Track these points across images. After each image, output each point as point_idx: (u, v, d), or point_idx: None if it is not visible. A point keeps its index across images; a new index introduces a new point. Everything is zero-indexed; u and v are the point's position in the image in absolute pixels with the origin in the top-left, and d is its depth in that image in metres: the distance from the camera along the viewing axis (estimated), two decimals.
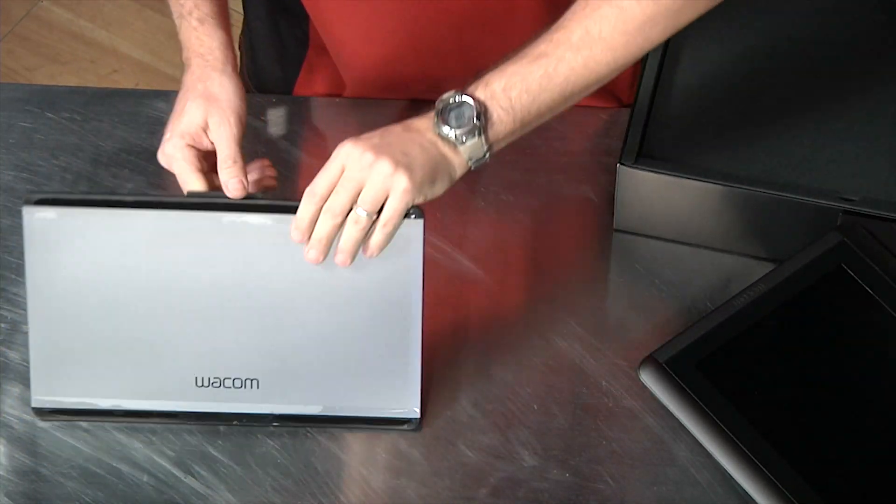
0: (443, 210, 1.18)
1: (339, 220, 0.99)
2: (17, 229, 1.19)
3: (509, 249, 1.19)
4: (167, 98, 1.28)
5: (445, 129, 0.99)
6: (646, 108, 1.15)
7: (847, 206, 1.10)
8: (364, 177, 0.98)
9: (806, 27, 1.21)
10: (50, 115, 1.26)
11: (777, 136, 1.15)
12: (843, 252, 1.09)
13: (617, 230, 1.19)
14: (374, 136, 0.99)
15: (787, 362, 1.06)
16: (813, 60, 1.19)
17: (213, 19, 1.09)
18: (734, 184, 1.11)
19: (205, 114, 1.05)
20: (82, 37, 2.39)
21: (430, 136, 1.00)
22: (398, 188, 0.98)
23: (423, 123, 1.00)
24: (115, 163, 1.23)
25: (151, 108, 1.27)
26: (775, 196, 1.10)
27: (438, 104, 1.00)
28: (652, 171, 1.12)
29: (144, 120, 1.27)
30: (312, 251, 1.00)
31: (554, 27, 1.02)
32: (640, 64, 1.36)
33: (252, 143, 1.25)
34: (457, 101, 0.99)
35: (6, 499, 1.06)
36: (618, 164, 1.12)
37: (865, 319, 1.08)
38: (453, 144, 1.00)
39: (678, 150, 1.14)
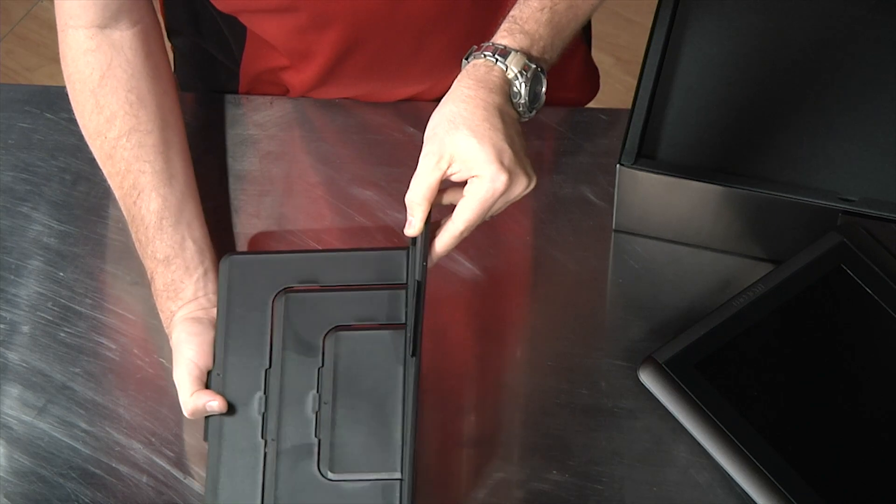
0: (443, 210, 1.17)
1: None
2: (16, 230, 1.19)
3: (509, 249, 1.19)
4: None
5: (526, 111, 1.02)
6: (646, 108, 1.15)
7: (847, 206, 1.10)
8: (505, 200, 1.00)
9: (806, 27, 1.21)
10: (49, 115, 1.26)
11: (777, 136, 1.15)
12: (842, 252, 1.09)
13: (617, 230, 1.19)
14: (504, 150, 0.98)
15: (787, 363, 1.06)
16: (813, 60, 1.19)
17: (165, 292, 1.09)
18: (734, 184, 1.11)
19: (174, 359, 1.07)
20: None
21: (516, 117, 1.01)
22: (525, 192, 1.01)
23: (508, 108, 1.00)
24: None
25: None
26: (775, 196, 1.10)
27: (513, 83, 1.00)
28: (651, 172, 1.12)
29: None
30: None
31: None
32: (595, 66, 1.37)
33: (252, 144, 1.25)
34: (527, 76, 1.00)
35: (6, 499, 1.06)
36: (617, 165, 1.12)
37: (865, 320, 1.08)
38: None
39: (678, 150, 1.14)
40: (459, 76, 1.01)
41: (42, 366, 1.12)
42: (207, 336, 1.06)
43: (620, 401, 1.10)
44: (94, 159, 1.23)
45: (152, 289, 1.10)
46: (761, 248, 1.16)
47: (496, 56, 1.00)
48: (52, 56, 2.36)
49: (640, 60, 1.18)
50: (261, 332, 1.06)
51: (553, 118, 1.25)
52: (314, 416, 1.02)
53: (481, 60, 1.00)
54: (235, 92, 1.31)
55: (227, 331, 1.06)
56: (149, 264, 1.10)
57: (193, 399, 1.03)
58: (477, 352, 1.13)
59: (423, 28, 1.20)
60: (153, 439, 1.08)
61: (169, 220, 1.10)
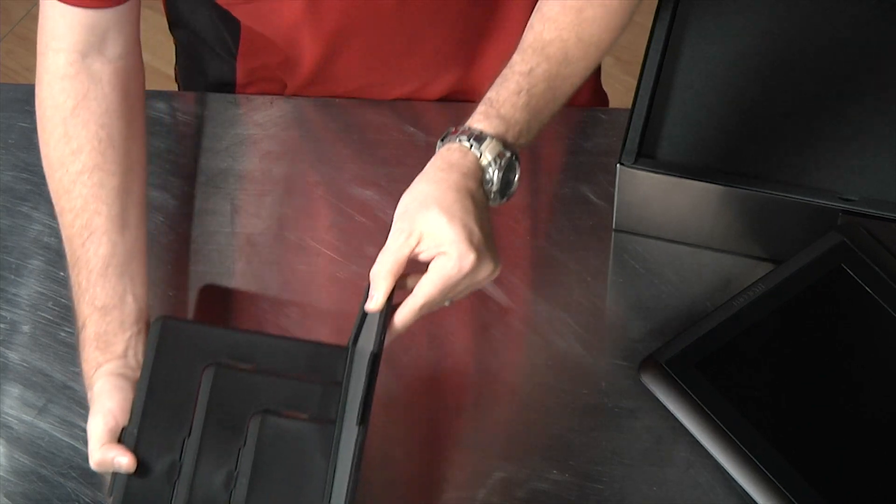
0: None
1: None
2: (16, 229, 1.19)
3: (509, 249, 1.19)
4: (166, 98, 1.28)
5: (497, 198, 1.02)
6: (646, 108, 1.15)
7: (847, 206, 1.10)
8: (469, 284, 0.98)
9: (806, 27, 1.21)
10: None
11: (777, 135, 1.15)
12: (842, 252, 1.09)
13: (617, 230, 1.19)
14: (474, 232, 0.97)
15: (787, 362, 1.06)
16: (813, 60, 1.19)
17: (94, 342, 1.05)
18: (734, 184, 1.11)
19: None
20: None
21: (484, 199, 1.00)
22: (489, 279, 0.99)
23: (480, 194, 1.00)
24: None
25: (150, 108, 1.27)
26: (775, 196, 1.10)
27: (486, 169, 1.00)
28: (651, 171, 1.12)
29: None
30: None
31: (542, 39, 1.03)
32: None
33: (252, 144, 1.25)
34: (501, 164, 1.00)
35: (6, 499, 1.06)
36: (617, 164, 1.12)
37: (865, 319, 1.08)
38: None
39: (678, 149, 1.14)
40: (433, 158, 1.00)
41: (42, 365, 1.12)
42: (129, 395, 1.02)
43: (621, 401, 1.10)
44: None
45: (81, 336, 1.06)
46: (761, 248, 1.16)
47: (471, 141, 0.99)
48: None
49: (640, 60, 1.19)
50: (184, 400, 1.02)
51: (553, 118, 1.25)
52: (228, 493, 1.00)
53: (455, 145, 1.00)
54: (233, 84, 1.31)
55: (150, 391, 1.02)
56: (84, 310, 1.06)
57: (102, 451, 0.99)
58: (477, 351, 1.13)
59: (418, 23, 1.20)
60: None
61: (115, 268, 1.07)
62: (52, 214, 1.20)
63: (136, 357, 1.05)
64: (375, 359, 0.97)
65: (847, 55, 1.19)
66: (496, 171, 1.00)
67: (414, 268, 0.98)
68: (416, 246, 0.97)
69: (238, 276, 1.17)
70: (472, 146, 1.00)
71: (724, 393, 1.04)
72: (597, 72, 1.39)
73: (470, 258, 0.96)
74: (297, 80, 1.27)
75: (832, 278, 1.08)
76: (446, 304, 1.00)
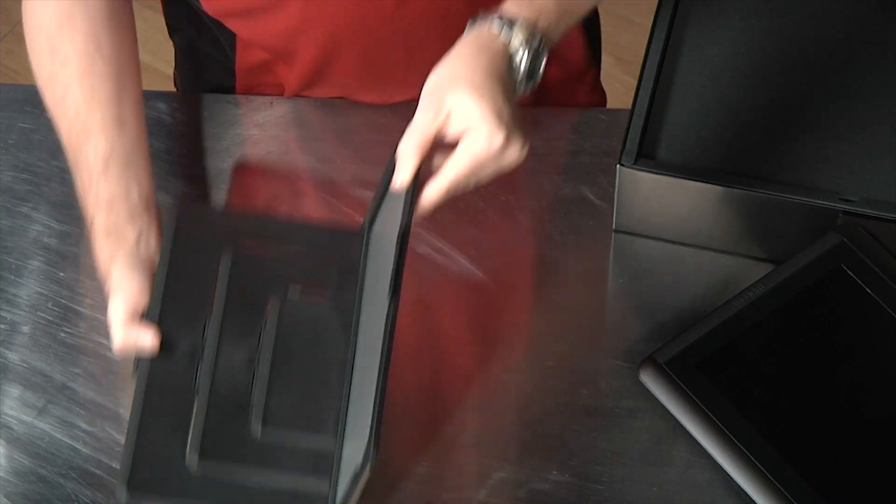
0: (442, 210, 1.17)
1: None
2: (16, 230, 1.19)
3: (509, 250, 1.19)
4: (166, 98, 1.28)
5: (522, 84, 1.00)
6: (646, 108, 1.15)
7: (847, 206, 1.10)
8: (497, 165, 0.97)
9: (806, 27, 1.21)
10: (49, 115, 1.26)
11: (777, 136, 1.15)
12: (842, 252, 1.09)
13: (617, 230, 1.19)
14: (503, 110, 0.95)
15: (787, 363, 1.06)
16: (813, 60, 1.19)
17: (104, 236, 1.07)
18: (734, 184, 1.11)
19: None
20: None
21: (511, 85, 0.99)
22: (517, 161, 0.98)
23: (508, 77, 0.98)
24: None
25: (151, 108, 1.27)
26: (775, 196, 1.10)
27: (514, 54, 0.99)
28: (652, 172, 1.12)
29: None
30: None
31: None
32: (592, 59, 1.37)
33: (252, 144, 1.25)
34: (529, 50, 0.99)
35: (6, 500, 1.06)
36: (617, 165, 1.12)
37: (865, 320, 1.08)
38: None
39: (678, 150, 1.14)
40: (462, 39, 0.99)
41: (42, 366, 1.12)
42: (148, 280, 1.03)
43: (620, 401, 1.10)
44: None
45: (92, 233, 1.07)
46: (761, 248, 1.16)
47: (502, 25, 0.99)
48: None
49: (640, 60, 1.18)
50: (204, 283, 1.04)
51: (553, 118, 1.25)
52: (251, 372, 1.01)
53: (486, 28, 0.99)
54: (233, 89, 1.31)
55: (169, 275, 1.03)
56: (90, 208, 1.07)
57: (125, 332, 1.00)
58: (477, 352, 1.13)
59: (416, 33, 1.19)
60: None
61: (116, 165, 1.07)
62: (52, 215, 1.20)
63: (148, 246, 1.06)
64: (404, 238, 0.96)
65: (847, 55, 1.19)
66: (524, 57, 0.98)
67: (439, 148, 0.98)
68: (444, 123, 0.95)
69: None
70: (502, 30, 0.98)
71: (724, 393, 1.04)
72: (596, 70, 1.39)
73: (499, 137, 0.95)
74: (293, 86, 1.27)
75: (832, 278, 1.08)
76: (471, 187, 0.99)
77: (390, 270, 0.96)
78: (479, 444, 1.08)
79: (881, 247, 1.09)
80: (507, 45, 0.98)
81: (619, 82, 1.40)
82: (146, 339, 1.00)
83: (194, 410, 1.00)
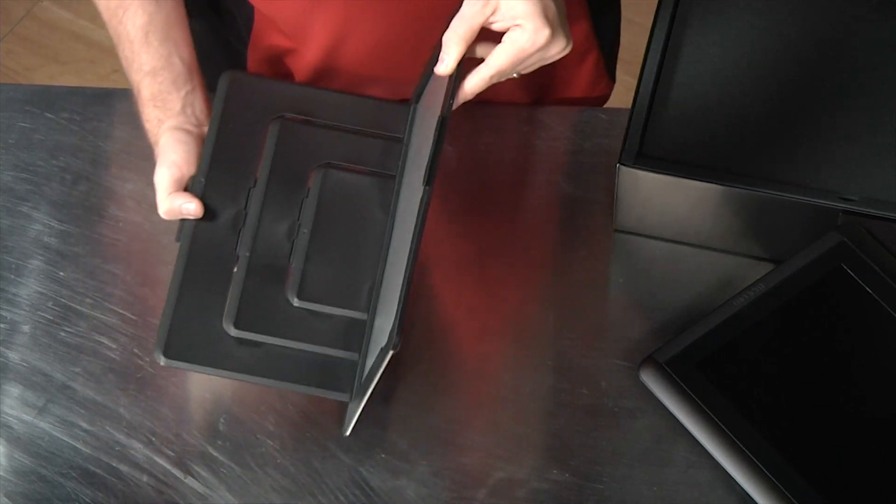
0: (442, 210, 1.18)
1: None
2: (16, 229, 1.19)
3: (509, 249, 1.19)
4: None
5: None
6: (646, 108, 1.15)
7: (847, 206, 1.10)
8: (540, 58, 1.00)
9: (806, 27, 1.21)
10: (49, 115, 1.26)
11: (777, 136, 1.15)
12: (843, 252, 1.09)
13: (617, 230, 1.19)
14: (549, 6, 0.98)
15: (787, 362, 1.06)
16: (813, 60, 1.19)
17: (152, 102, 1.09)
18: (734, 184, 1.11)
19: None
20: (82, 37, 2.39)
21: None
22: (559, 55, 1.01)
23: None
24: (114, 163, 1.23)
25: None
26: (775, 196, 1.10)
27: None
28: (652, 171, 1.12)
29: None
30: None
31: None
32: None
33: None
34: None
35: (6, 499, 1.06)
36: (618, 164, 1.12)
37: (865, 319, 1.08)
38: None
39: (678, 150, 1.14)
40: None
41: (42, 365, 1.12)
42: (195, 147, 1.05)
43: (621, 400, 1.10)
44: (94, 159, 1.23)
45: (138, 101, 1.09)
46: (761, 248, 1.16)
47: None
48: (52, 56, 2.36)
49: (640, 60, 1.18)
50: (250, 152, 1.05)
51: (553, 118, 1.25)
52: (290, 243, 1.03)
53: None
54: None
55: (217, 143, 1.05)
56: (134, 77, 1.09)
57: (171, 199, 1.03)
58: (477, 351, 1.13)
59: (428, 16, 1.19)
60: (153, 439, 1.08)
61: (155, 35, 1.09)
62: (52, 214, 1.20)
63: (194, 113, 1.08)
64: (443, 122, 0.98)
65: (847, 55, 1.19)
66: None
67: (485, 37, 1.00)
68: (492, 15, 0.98)
69: None
70: None
71: (724, 393, 1.04)
72: (600, 54, 1.38)
73: (545, 33, 0.97)
74: (305, 71, 1.27)
75: (832, 278, 1.08)
76: (514, 75, 1.02)
77: (427, 156, 0.98)
78: (479, 444, 1.08)
79: (881, 246, 1.09)
80: None
81: (620, 82, 1.40)
82: (190, 206, 1.03)
83: (232, 279, 1.02)
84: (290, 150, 1.06)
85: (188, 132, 1.07)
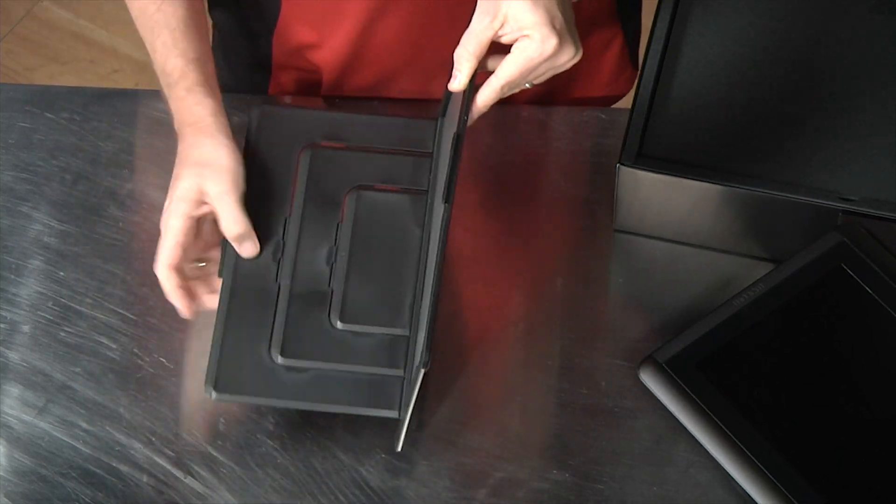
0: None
1: None
2: (16, 229, 1.19)
3: (509, 249, 1.19)
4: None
5: None
6: (646, 108, 1.15)
7: (847, 206, 1.10)
8: (550, 67, 1.01)
9: (806, 27, 1.21)
10: (49, 115, 1.26)
11: (777, 136, 1.15)
12: (843, 252, 1.09)
13: (617, 230, 1.19)
14: (556, 16, 0.99)
15: (787, 362, 1.06)
16: (813, 60, 1.19)
17: (201, 87, 1.08)
18: (734, 184, 1.11)
19: (199, 180, 1.05)
20: (82, 37, 2.39)
21: None
22: (569, 63, 1.02)
23: None
24: (114, 163, 1.23)
25: (151, 108, 1.27)
26: (775, 196, 1.10)
27: None
28: (652, 171, 1.12)
29: (144, 120, 1.26)
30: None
31: None
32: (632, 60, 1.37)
33: None
34: None
35: (6, 499, 1.06)
36: (618, 164, 1.12)
37: (865, 319, 1.08)
38: None
39: (678, 150, 1.14)
40: None
41: (42, 365, 1.12)
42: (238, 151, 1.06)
43: (620, 400, 1.10)
44: (94, 159, 1.23)
45: (178, 87, 1.08)
46: (761, 248, 1.16)
47: None
48: (52, 56, 2.36)
49: (641, 60, 1.18)
50: (283, 182, 1.07)
51: (553, 118, 1.25)
52: (329, 267, 1.05)
53: None
54: (269, 66, 1.31)
55: (251, 176, 1.06)
56: (178, 62, 1.08)
57: (248, 226, 1.04)
58: (477, 351, 1.13)
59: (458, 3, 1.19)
60: (153, 439, 1.08)
61: (195, 30, 1.10)
62: (52, 214, 1.20)
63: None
64: (458, 138, 1.00)
65: (847, 55, 1.19)
66: None
67: (496, 50, 1.01)
68: (500, 28, 1.00)
69: None
70: None
71: (724, 393, 1.04)
72: (624, 42, 1.37)
73: (552, 42, 0.99)
74: (331, 62, 1.26)
75: (832, 278, 1.08)
76: (527, 85, 1.03)
77: (445, 173, 1.00)
78: (479, 444, 1.08)
79: (881, 246, 1.09)
80: None
81: None
82: (252, 248, 1.05)
83: (276, 308, 1.04)
84: (322, 176, 1.08)
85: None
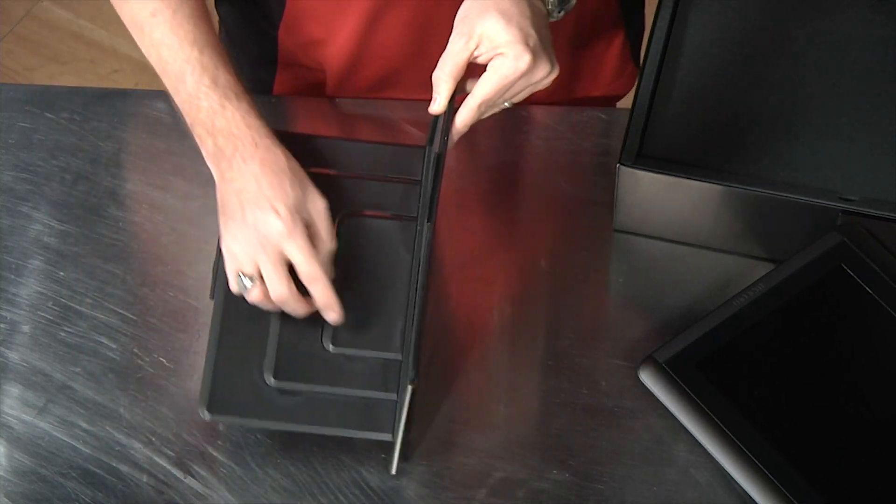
0: (442, 210, 1.18)
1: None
2: (16, 229, 1.19)
3: (509, 249, 1.19)
4: (167, 98, 1.27)
5: (556, 10, 1.06)
6: (646, 108, 1.15)
7: (847, 206, 1.10)
8: (526, 83, 1.02)
9: (806, 27, 1.21)
10: (49, 115, 1.26)
11: (777, 136, 1.15)
12: (843, 252, 1.09)
13: (617, 230, 1.19)
14: (530, 34, 1.00)
15: (787, 362, 1.06)
16: (813, 60, 1.19)
17: (256, 108, 1.08)
18: (734, 184, 1.11)
19: (304, 195, 1.04)
20: (82, 37, 2.39)
21: (545, 13, 1.04)
22: (546, 80, 1.03)
23: (538, 3, 1.03)
24: (114, 163, 1.23)
25: (151, 108, 1.27)
26: (775, 196, 1.10)
27: None
28: (652, 171, 1.12)
29: (144, 120, 1.27)
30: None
31: None
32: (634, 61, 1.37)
33: None
34: None
35: (6, 499, 1.06)
36: (618, 164, 1.12)
37: (865, 319, 1.08)
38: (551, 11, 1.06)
39: (678, 150, 1.14)
40: None
41: (42, 365, 1.12)
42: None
43: (620, 400, 1.10)
44: (94, 159, 1.23)
45: (246, 99, 1.07)
46: (761, 248, 1.16)
47: None
48: (52, 56, 2.37)
49: (641, 60, 1.19)
50: None
51: (553, 118, 1.25)
52: None
53: None
54: (275, 63, 1.31)
55: None
56: (219, 74, 1.07)
57: (329, 287, 1.03)
58: (477, 351, 1.13)
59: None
60: (153, 439, 1.08)
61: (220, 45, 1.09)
62: (52, 214, 1.20)
63: None
64: (439, 158, 1.02)
65: (847, 55, 1.19)
66: None
67: (473, 72, 1.02)
68: (476, 49, 1.01)
69: None
70: None
71: (724, 393, 1.04)
72: (626, 39, 1.37)
73: (526, 59, 0.99)
74: (336, 58, 1.26)
75: (832, 278, 1.08)
76: (506, 105, 1.04)
77: (427, 194, 1.01)
78: (479, 444, 1.08)
79: (881, 246, 1.09)
80: None
81: None
82: (336, 317, 1.04)
83: (269, 331, 1.04)
84: None
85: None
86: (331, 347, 1.04)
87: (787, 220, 1.13)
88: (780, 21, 1.21)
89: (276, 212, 1.01)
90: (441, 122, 1.03)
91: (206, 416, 1.03)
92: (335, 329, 1.04)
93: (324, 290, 1.02)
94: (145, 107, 1.27)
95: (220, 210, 1.04)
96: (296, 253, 1.01)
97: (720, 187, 1.11)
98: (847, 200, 1.10)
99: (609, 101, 1.38)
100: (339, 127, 1.27)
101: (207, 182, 1.22)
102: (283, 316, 1.04)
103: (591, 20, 1.29)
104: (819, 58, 1.19)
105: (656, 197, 1.15)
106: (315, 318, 1.04)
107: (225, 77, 1.07)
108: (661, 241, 1.18)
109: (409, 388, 0.96)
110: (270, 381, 1.04)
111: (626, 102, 1.19)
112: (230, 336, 1.05)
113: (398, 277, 1.06)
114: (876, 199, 1.10)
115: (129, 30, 1.11)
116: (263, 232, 1.01)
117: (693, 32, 1.20)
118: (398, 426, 1.02)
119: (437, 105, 1.02)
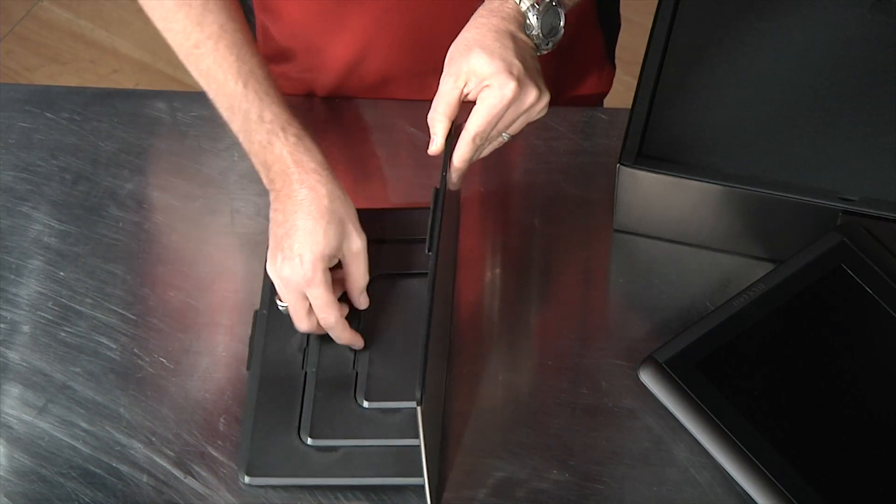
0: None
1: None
2: (16, 229, 1.19)
3: (509, 249, 1.19)
4: (167, 98, 1.28)
5: (543, 43, 1.07)
6: (646, 108, 1.15)
7: (847, 206, 1.10)
8: (517, 112, 1.03)
9: (806, 27, 1.21)
10: (49, 115, 1.26)
11: (777, 136, 1.15)
12: (842, 252, 1.09)
13: (617, 230, 1.19)
14: (514, 64, 1.02)
15: (787, 362, 1.06)
16: (813, 60, 1.19)
17: (307, 134, 1.10)
18: (734, 184, 1.11)
19: (341, 238, 1.07)
20: (82, 37, 2.39)
21: (532, 46, 1.06)
22: (541, 110, 1.05)
23: (522, 36, 1.05)
24: (114, 163, 1.23)
25: (151, 108, 1.27)
26: (775, 196, 1.10)
27: (526, 14, 1.05)
28: (652, 171, 1.12)
29: (144, 120, 1.27)
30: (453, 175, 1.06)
31: None
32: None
33: None
34: (540, 9, 1.05)
35: (6, 499, 1.06)
36: (618, 164, 1.12)
37: (865, 319, 1.08)
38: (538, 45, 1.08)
39: (678, 150, 1.14)
40: (478, 9, 1.06)
41: (42, 365, 1.12)
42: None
43: (621, 400, 1.10)
44: (94, 159, 1.23)
45: (291, 131, 1.09)
46: (761, 248, 1.16)
47: None
48: (52, 56, 2.37)
49: (640, 60, 1.19)
50: None
51: (553, 118, 1.25)
52: (353, 352, 1.10)
53: None
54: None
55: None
56: (277, 110, 1.09)
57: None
58: (477, 351, 1.13)
59: (462, 8, 1.19)
60: (153, 439, 1.08)
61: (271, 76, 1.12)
62: (52, 214, 1.20)
63: None
64: (437, 193, 1.04)
65: (847, 55, 1.19)
66: (535, 17, 1.05)
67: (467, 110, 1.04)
68: (465, 87, 1.03)
69: (239, 276, 1.17)
70: None
71: (724, 393, 1.04)
72: (603, 42, 1.38)
73: (510, 86, 1.01)
74: (325, 80, 1.27)
75: (832, 278, 1.08)
76: (505, 138, 1.07)
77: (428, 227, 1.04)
78: (479, 444, 1.08)
79: (881, 246, 1.09)
80: (517, 6, 1.05)
81: (619, 82, 1.40)
82: (365, 301, 1.11)
83: (303, 394, 1.08)
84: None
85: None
86: (365, 403, 1.07)
87: (787, 220, 1.13)
88: (780, 21, 1.21)
89: (301, 259, 1.06)
90: (441, 157, 1.05)
91: (246, 479, 1.05)
92: (368, 385, 1.08)
93: (341, 333, 1.09)
94: (145, 107, 1.27)
95: (269, 233, 1.09)
96: (313, 300, 1.07)
97: (720, 187, 1.11)
98: (847, 200, 1.10)
99: (593, 100, 1.38)
100: (331, 128, 1.27)
101: (207, 182, 1.22)
102: (318, 379, 1.08)
103: (574, 30, 1.29)
104: (819, 58, 1.19)
105: (656, 197, 1.15)
106: (348, 377, 1.08)
107: (270, 110, 1.09)
108: (661, 240, 1.18)
109: (418, 407, 0.97)
110: (308, 440, 1.06)
111: (626, 102, 1.19)
112: (267, 402, 1.08)
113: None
114: (876, 199, 1.10)
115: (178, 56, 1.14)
116: (286, 275, 1.07)
117: (693, 33, 1.20)
118: (422, 466, 1.02)
119: (435, 145, 1.05)
